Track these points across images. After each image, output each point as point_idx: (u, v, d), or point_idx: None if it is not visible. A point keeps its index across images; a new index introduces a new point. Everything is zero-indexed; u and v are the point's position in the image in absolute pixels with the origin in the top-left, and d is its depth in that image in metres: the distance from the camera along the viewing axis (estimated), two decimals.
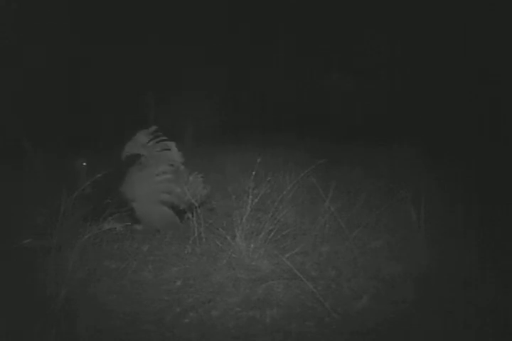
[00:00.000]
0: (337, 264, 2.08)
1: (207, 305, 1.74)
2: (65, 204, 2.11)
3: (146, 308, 1.73)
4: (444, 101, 5.37)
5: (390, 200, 2.58)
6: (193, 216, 2.34)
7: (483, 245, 2.11)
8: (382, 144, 4.60)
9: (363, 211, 2.65)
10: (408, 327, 1.57)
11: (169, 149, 2.53)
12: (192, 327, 1.61)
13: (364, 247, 2.25)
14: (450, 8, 5.27)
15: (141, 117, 5.89)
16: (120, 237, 2.42)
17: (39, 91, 4.65)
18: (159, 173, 2.49)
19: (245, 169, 3.21)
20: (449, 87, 5.38)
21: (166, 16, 5.64)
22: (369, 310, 1.70)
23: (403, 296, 1.77)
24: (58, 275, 1.79)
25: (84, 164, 2.69)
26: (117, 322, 1.63)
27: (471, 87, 5.20)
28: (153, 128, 2.56)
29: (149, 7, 5.48)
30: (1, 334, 1.50)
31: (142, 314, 1.68)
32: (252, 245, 2.14)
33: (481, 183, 3.16)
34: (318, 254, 2.19)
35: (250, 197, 2.23)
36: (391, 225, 2.52)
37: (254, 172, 2.31)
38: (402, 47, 6.05)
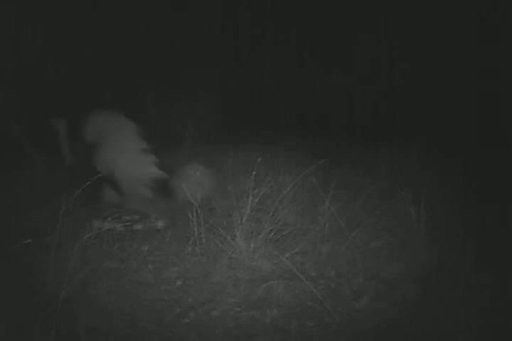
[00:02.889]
0: (337, 264, 2.09)
1: (207, 305, 1.74)
2: (65, 204, 2.11)
3: (146, 308, 1.73)
4: (444, 101, 5.37)
5: (390, 200, 2.58)
6: (193, 216, 2.34)
7: (483, 245, 2.10)
8: (382, 144, 4.60)
9: (363, 211, 2.65)
10: (408, 327, 1.57)
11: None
12: (192, 327, 1.61)
13: (364, 247, 2.25)
14: (450, 8, 5.27)
15: (141, 117, 5.88)
16: (120, 237, 2.43)
17: (39, 92, 4.65)
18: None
19: (245, 169, 3.21)
20: (449, 86, 5.37)
21: (166, 16, 5.64)
22: (369, 310, 1.70)
23: (403, 296, 1.77)
24: (58, 275, 1.79)
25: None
26: (117, 322, 1.63)
27: (471, 86, 5.19)
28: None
29: (149, 7, 5.49)
30: (1, 334, 1.50)
31: (142, 314, 1.69)
32: (252, 245, 2.14)
33: (481, 183, 3.15)
34: (318, 254, 2.19)
35: (250, 197, 2.23)
36: (391, 225, 2.52)
37: (254, 172, 2.32)
38: (402, 47, 6.05)
